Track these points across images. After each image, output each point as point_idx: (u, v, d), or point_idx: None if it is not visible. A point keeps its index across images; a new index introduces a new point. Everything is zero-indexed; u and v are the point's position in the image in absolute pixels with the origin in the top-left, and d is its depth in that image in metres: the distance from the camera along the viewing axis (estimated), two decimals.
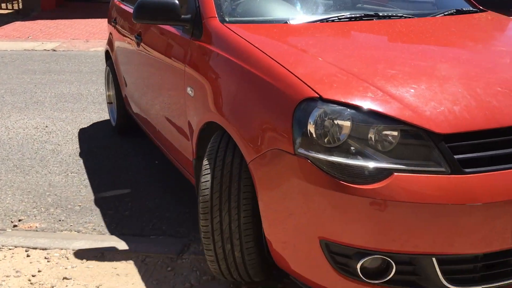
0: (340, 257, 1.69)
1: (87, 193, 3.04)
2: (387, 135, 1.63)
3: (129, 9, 3.48)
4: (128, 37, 3.42)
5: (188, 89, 2.34)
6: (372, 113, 1.65)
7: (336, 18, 2.41)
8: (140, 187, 3.11)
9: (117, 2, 3.93)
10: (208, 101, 2.16)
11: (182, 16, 2.40)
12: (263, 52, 2.00)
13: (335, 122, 1.65)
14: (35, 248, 2.37)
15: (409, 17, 2.56)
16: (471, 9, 2.81)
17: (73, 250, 2.35)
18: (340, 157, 1.63)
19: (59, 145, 3.91)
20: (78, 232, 2.59)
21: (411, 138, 1.64)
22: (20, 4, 11.04)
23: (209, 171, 1.96)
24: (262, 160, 1.80)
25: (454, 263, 1.66)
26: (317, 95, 1.70)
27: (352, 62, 1.97)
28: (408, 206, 1.57)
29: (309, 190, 1.67)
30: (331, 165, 1.64)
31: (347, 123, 1.64)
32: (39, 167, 3.46)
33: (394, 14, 2.57)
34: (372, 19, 2.48)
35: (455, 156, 1.61)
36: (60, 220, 2.72)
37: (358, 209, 1.61)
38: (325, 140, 1.66)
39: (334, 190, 1.62)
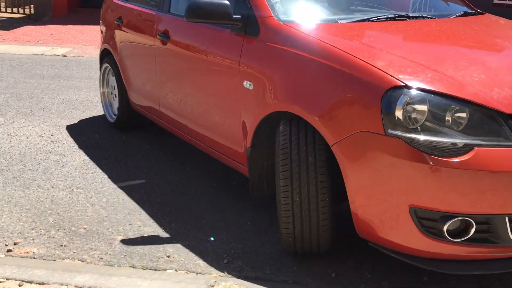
0: (427, 221, 1.98)
1: (93, 213, 2.67)
2: (461, 116, 1.96)
3: (144, 9, 3.68)
4: (146, 36, 3.54)
5: (245, 83, 2.56)
6: (451, 98, 1.97)
7: (376, 18, 2.72)
8: (153, 208, 2.73)
9: (121, 3, 4.06)
10: (276, 92, 2.38)
11: (234, 16, 2.61)
12: (336, 47, 2.24)
13: (419, 106, 1.96)
14: (30, 282, 2.00)
15: (432, 18, 2.90)
16: (473, 11, 3.22)
17: (75, 286, 1.96)
18: (427, 135, 1.94)
19: (64, 155, 3.54)
20: (82, 261, 2.21)
21: (483, 117, 1.99)
22: (32, 9, 10.82)
23: (286, 153, 2.20)
24: (349, 142, 2.07)
25: None
26: (402, 84, 1.98)
27: (417, 55, 2.27)
28: (488, 174, 1.91)
29: (401, 165, 1.96)
30: (420, 143, 1.94)
31: (428, 107, 1.96)
32: (41, 180, 3.09)
33: (420, 15, 2.90)
34: (406, 19, 2.80)
35: None
36: (61, 246, 2.34)
37: (446, 179, 1.92)
38: (411, 121, 1.96)
39: (425, 163, 1.92)
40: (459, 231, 2.00)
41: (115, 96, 4.28)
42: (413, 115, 1.97)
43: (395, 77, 2.03)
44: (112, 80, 4.31)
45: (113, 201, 2.85)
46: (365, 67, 2.11)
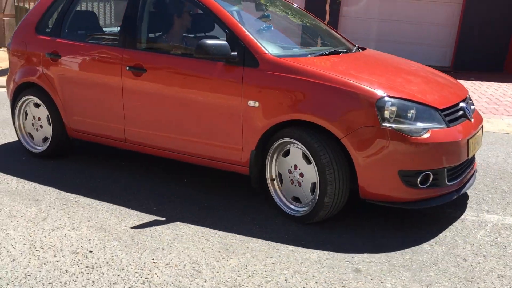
0: (407, 177, 3.28)
1: None
2: (414, 111, 3.30)
3: (98, 45, 4.36)
4: (107, 69, 4.18)
5: (250, 102, 3.55)
6: (411, 101, 3.34)
7: (327, 52, 4.07)
8: None
9: (51, 38, 4.57)
10: (285, 107, 3.45)
11: (232, 53, 3.61)
12: (330, 73, 3.43)
13: (395, 107, 3.25)
14: None
15: (347, 52, 4.30)
16: (361, 47, 4.73)
17: None
18: (405, 125, 3.25)
19: None
20: None
21: (427, 112, 3.36)
22: None
23: (325, 153, 3.33)
24: (355, 134, 3.24)
25: (452, 170, 3.46)
26: (385, 94, 3.29)
27: (376, 77, 3.66)
28: (438, 144, 3.29)
29: (392, 144, 3.20)
30: (402, 130, 3.23)
31: (396, 108, 3.26)
32: None
33: (343, 50, 4.29)
34: (339, 53, 4.16)
35: (446, 118, 3.47)
36: None
37: (419, 149, 3.23)
38: (393, 117, 3.24)
39: (407, 142, 3.21)
40: (423, 181, 3.34)
41: (40, 127, 4.73)
42: (394, 113, 3.24)
43: (378, 90, 3.32)
44: (35, 111, 4.74)
45: None
46: (358, 86, 3.33)
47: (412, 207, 3.36)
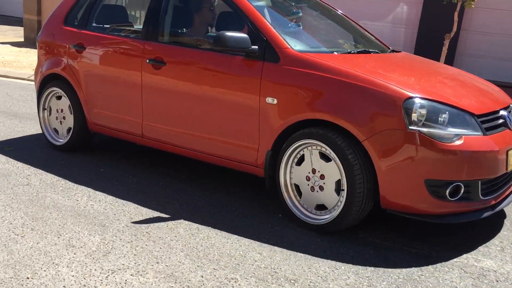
0: (435, 188, 2.99)
1: None
2: (447, 116, 3.03)
3: (120, 37, 4.30)
4: (128, 61, 4.10)
5: (268, 99, 3.37)
6: (444, 104, 3.06)
7: (355, 51, 3.89)
8: None
9: (77, 30, 4.56)
10: (305, 105, 3.24)
11: (252, 47, 3.42)
12: (356, 71, 3.19)
13: (425, 110, 2.99)
14: None
15: (378, 52, 4.06)
16: (395, 49, 4.43)
17: None
18: (435, 129, 2.98)
19: None
20: None
21: (460, 116, 3.08)
22: None
23: (354, 157, 3.08)
24: (378, 137, 3.00)
25: (488, 182, 3.14)
26: (414, 95, 3.03)
27: (406, 77, 3.42)
28: (472, 153, 3.00)
29: (419, 150, 2.94)
30: (432, 134, 2.96)
31: (426, 110, 3.00)
32: None
33: (373, 50, 4.05)
34: (370, 53, 3.94)
35: (483, 125, 3.16)
36: None
37: (449, 157, 2.96)
38: (422, 120, 2.98)
39: (436, 148, 2.94)
40: (453, 193, 3.04)
41: (63, 119, 4.68)
42: (423, 115, 2.98)
43: (407, 90, 3.04)
44: (59, 103, 4.69)
45: None
46: (383, 85, 3.08)
47: (438, 221, 3.08)
